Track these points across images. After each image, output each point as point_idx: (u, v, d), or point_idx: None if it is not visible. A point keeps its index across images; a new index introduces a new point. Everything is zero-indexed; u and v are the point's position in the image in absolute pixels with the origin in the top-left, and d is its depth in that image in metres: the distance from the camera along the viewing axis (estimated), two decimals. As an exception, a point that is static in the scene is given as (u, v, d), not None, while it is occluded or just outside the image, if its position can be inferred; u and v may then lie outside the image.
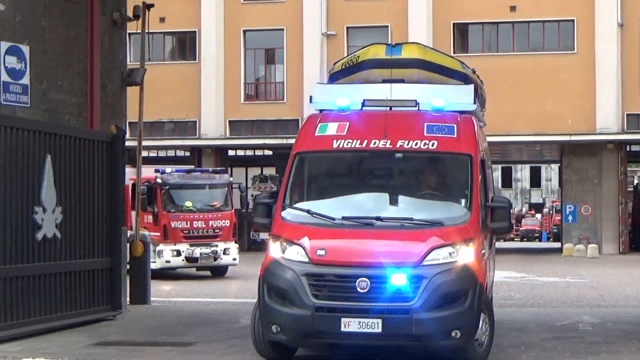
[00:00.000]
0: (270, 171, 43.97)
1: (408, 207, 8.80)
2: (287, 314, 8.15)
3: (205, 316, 14.32)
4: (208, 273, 25.95)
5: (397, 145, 9.05)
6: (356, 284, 7.96)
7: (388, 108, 9.50)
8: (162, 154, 42.22)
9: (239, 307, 16.47)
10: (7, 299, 10.57)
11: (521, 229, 59.92)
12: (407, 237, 8.49)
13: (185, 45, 40.96)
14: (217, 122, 39.88)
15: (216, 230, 25.49)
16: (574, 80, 36.51)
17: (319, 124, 9.52)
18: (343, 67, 10.45)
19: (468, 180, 8.89)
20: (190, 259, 24.72)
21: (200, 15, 39.48)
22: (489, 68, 34.49)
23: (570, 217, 38.97)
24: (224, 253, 25.20)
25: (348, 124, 9.32)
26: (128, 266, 15.65)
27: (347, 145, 9.19)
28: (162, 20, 33.77)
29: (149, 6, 15.83)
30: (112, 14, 14.34)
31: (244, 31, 39.57)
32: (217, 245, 25.12)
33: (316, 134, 9.45)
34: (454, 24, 37.84)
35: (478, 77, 11.63)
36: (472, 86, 9.93)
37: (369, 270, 8.08)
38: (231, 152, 41.55)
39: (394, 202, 8.96)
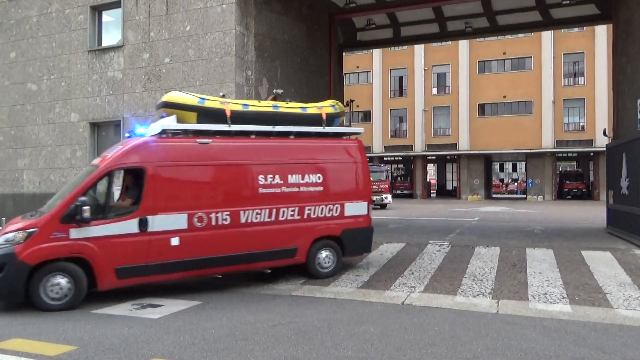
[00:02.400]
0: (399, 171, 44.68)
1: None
2: None
3: (376, 223, 14.37)
4: (378, 207, 26.46)
5: (105, 161, 7.34)
6: None
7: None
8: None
9: (388, 220, 17.53)
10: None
11: (508, 189, 57.43)
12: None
13: (365, 115, 44.54)
14: (378, 146, 44.14)
15: (382, 187, 26.93)
16: (532, 126, 39.39)
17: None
18: None
19: (83, 184, 7.08)
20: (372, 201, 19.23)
21: (373, 105, 44.05)
22: (495, 122, 40.18)
23: (530, 184, 41.47)
24: (385, 199, 26.60)
25: (121, 147, 7.55)
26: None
27: (98, 161, 7.55)
28: (357, 105, 42.20)
29: (352, 100, 22.07)
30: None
31: (390, 110, 44.03)
32: (382, 195, 26.47)
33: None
34: (478, 104, 41.92)
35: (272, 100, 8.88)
36: (169, 117, 7.78)
37: None
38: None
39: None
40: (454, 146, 42.63)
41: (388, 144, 44.72)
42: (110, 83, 14.20)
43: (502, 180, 65.42)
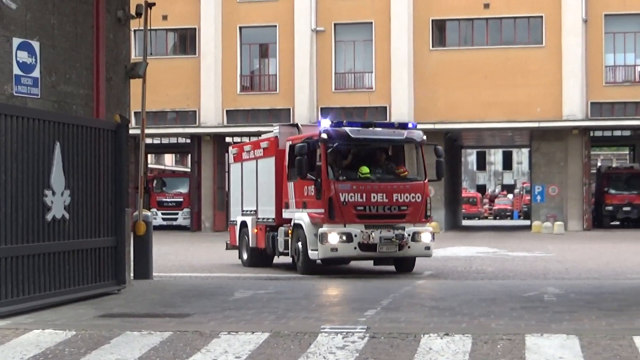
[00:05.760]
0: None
1: None
2: None
3: (202, 290, 13.89)
4: (391, 268, 17.43)
5: None
6: None
7: None
8: (164, 140, 40.47)
9: (235, 281, 15.41)
10: (19, 275, 10.96)
11: (494, 208, 56.13)
12: None
13: (186, 41, 39.38)
14: (215, 112, 38.43)
15: (403, 207, 16.92)
16: (543, 72, 35.24)
17: None
18: None
19: None
20: (365, 246, 16.11)
21: (200, 13, 38.05)
22: (464, 61, 35.88)
23: (538, 197, 37.76)
24: (413, 239, 16.51)
25: None
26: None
27: None
28: (164, 17, 33.10)
29: (151, 5, 15.67)
30: (116, 12, 14.50)
31: (240, 27, 38.19)
32: (403, 228, 16.55)
33: None
34: (432, 20, 36.14)
35: None
36: None
37: None
38: (228, 139, 39.44)
39: None
40: (382, 112, 38.11)
41: (235, 105, 39.36)
42: None
43: (482, 189, 64.46)
